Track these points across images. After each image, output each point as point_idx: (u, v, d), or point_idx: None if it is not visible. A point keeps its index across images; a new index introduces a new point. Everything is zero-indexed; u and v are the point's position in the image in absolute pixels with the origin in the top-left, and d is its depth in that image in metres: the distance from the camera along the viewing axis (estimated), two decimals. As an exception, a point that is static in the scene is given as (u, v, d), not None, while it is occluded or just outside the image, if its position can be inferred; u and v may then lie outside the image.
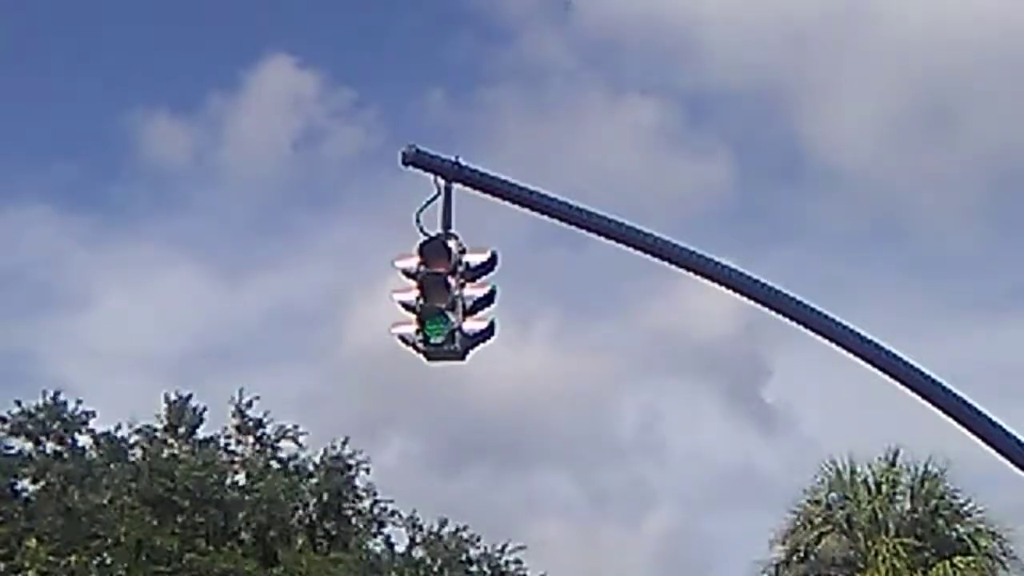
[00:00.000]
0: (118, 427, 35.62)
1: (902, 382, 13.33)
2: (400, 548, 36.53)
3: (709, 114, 67.21)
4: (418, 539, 36.49)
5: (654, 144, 62.40)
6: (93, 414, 35.61)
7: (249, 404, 35.89)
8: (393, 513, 36.39)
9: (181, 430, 35.85)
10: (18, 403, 35.27)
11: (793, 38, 61.02)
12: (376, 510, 36.33)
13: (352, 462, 36.02)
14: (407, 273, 13.78)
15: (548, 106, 63.80)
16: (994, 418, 13.27)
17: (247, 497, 34.59)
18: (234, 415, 35.92)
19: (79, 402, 35.57)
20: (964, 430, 13.31)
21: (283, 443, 36.07)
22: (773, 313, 13.65)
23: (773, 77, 62.17)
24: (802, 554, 35.18)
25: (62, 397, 35.36)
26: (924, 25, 59.49)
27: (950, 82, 58.97)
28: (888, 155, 62.11)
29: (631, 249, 13.92)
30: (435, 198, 13.82)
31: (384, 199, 39.12)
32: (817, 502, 35.63)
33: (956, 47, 58.84)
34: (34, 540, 32.95)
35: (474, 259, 13.78)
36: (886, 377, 13.35)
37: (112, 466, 34.47)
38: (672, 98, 70.46)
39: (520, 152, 48.12)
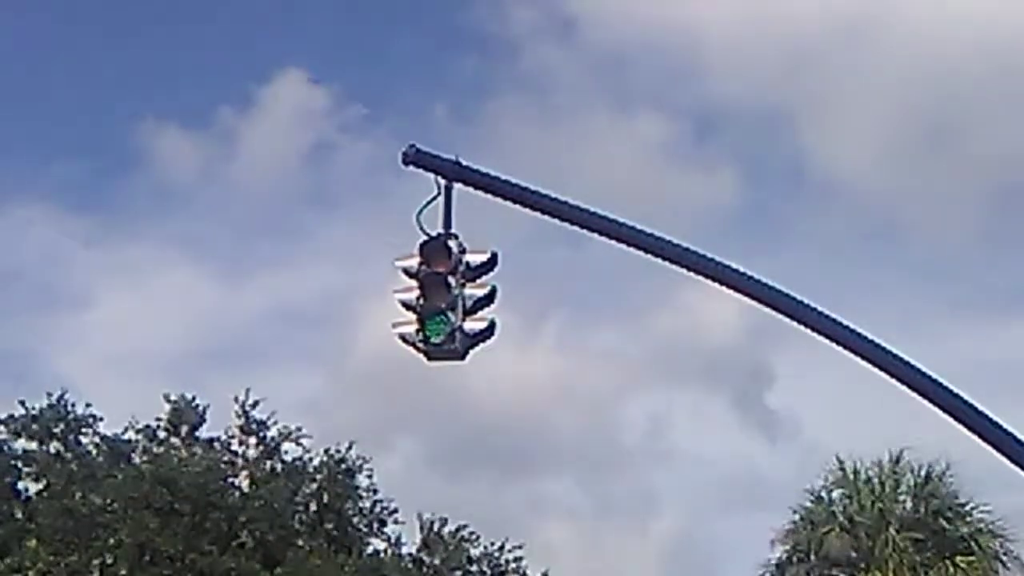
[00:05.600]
0: (125, 430, 35.56)
1: (904, 383, 13.28)
2: (403, 549, 36.51)
3: (713, 129, 67.31)
4: (420, 540, 36.47)
5: (659, 159, 62.42)
6: (100, 419, 35.58)
7: (254, 405, 35.77)
8: (395, 511, 36.35)
9: (183, 431, 35.78)
10: (22, 403, 35.30)
11: (796, 54, 61.24)
12: (378, 509, 36.28)
13: (354, 463, 35.97)
14: (408, 272, 13.74)
15: (553, 121, 63.78)
16: (995, 418, 13.22)
17: (249, 502, 34.49)
18: (238, 416, 35.82)
19: (88, 405, 35.59)
20: (965, 430, 13.26)
21: (286, 445, 36.00)
22: (776, 314, 13.57)
23: (776, 92, 62.24)
24: (804, 553, 35.16)
25: (68, 397, 35.44)
26: (924, 40, 59.66)
27: (950, 95, 59.09)
28: (889, 168, 62.19)
29: (632, 249, 13.84)
30: (435, 198, 13.78)
31: (388, 204, 39.09)
32: (820, 501, 35.64)
33: (956, 61, 59.05)
34: (35, 540, 32.90)
35: (474, 259, 13.73)
36: (888, 378, 13.31)
37: (114, 469, 34.38)
38: (677, 113, 70.42)
39: (525, 165, 47.95)
